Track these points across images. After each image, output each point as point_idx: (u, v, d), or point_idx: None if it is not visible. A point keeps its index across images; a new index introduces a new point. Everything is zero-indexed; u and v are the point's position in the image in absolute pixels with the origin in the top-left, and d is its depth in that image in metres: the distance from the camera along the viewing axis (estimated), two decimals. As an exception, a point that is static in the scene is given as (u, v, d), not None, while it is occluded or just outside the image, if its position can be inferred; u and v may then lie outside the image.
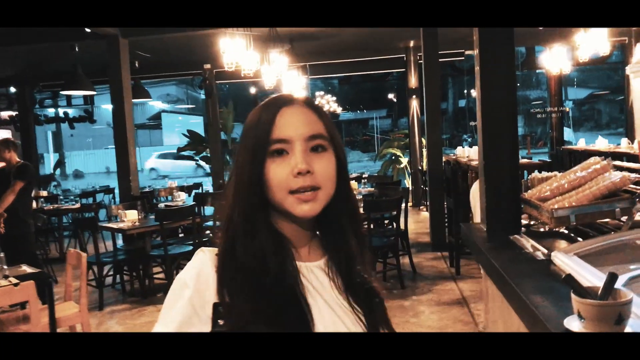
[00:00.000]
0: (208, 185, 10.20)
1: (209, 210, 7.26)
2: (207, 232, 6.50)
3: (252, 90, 12.76)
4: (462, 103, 23.88)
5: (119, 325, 4.60)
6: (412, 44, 9.67)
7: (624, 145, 7.71)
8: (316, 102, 1.02)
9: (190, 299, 0.87)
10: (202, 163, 10.96)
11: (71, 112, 15.23)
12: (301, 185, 0.89)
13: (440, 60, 7.37)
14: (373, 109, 24.87)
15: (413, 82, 10.09)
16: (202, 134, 11.73)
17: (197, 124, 23.90)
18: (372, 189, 7.05)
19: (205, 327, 0.86)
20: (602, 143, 8.28)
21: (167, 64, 10.13)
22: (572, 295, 1.42)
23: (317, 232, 1.01)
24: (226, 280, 0.88)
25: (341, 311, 0.95)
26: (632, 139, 8.47)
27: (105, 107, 24.67)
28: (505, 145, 2.89)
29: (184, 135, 11.27)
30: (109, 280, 5.58)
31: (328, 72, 12.23)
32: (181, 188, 8.19)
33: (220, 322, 0.86)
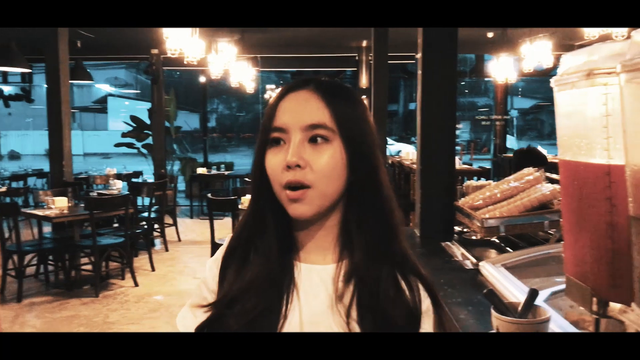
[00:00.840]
0: (149, 174, 9.88)
1: (147, 200, 7.01)
2: (143, 223, 6.28)
3: (202, 79, 12.46)
4: (412, 106, 24.25)
5: (37, 319, 4.34)
6: (364, 44, 9.68)
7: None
8: (337, 84, 0.89)
9: (203, 281, 0.93)
10: (144, 151, 10.56)
11: (8, 89, 14.47)
12: (290, 179, 0.81)
13: (392, 62, 7.40)
14: (324, 106, 24.89)
15: (364, 81, 10.10)
16: (147, 120, 11.37)
17: (144, 110, 23.24)
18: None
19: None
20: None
21: (113, 46, 9.72)
22: (492, 312, 1.38)
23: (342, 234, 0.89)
24: (228, 265, 0.89)
25: (329, 327, 0.84)
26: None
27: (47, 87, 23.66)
28: (442, 151, 2.87)
29: (125, 122, 10.88)
30: (32, 270, 5.28)
31: (280, 65, 12.08)
32: (119, 176, 7.89)
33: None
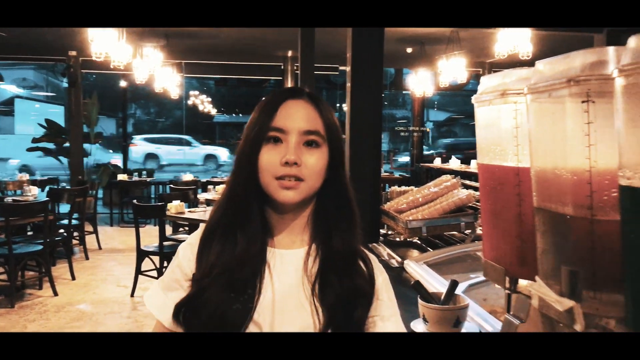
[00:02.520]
0: (65, 181, 9.48)
1: (64, 207, 6.75)
2: (61, 230, 6.05)
3: (123, 83, 12.12)
4: (334, 115, 24.65)
5: (-52, 331, 4.09)
6: (290, 53, 9.83)
7: (473, 166, 8.50)
8: (321, 98, 1.04)
9: (177, 265, 1.02)
10: (61, 157, 10.12)
11: None
12: (286, 173, 0.94)
13: (316, 72, 7.58)
14: (248, 114, 24.67)
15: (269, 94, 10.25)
16: (63, 124, 10.88)
17: (56, 113, 22.10)
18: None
19: (185, 292, 0.98)
20: (455, 163, 9.06)
21: (27, 46, 9.26)
22: (419, 300, 1.54)
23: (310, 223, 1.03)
24: (205, 247, 0.98)
25: (298, 301, 0.96)
26: (480, 161, 9.37)
27: (-54, 86, 21.90)
28: (369, 159, 3.06)
29: (40, 125, 10.36)
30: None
31: (204, 72, 11.99)
32: (33, 182, 7.54)
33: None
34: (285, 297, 0.96)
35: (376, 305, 1.02)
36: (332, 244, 0.99)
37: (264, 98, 1.04)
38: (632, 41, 0.62)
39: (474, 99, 1.02)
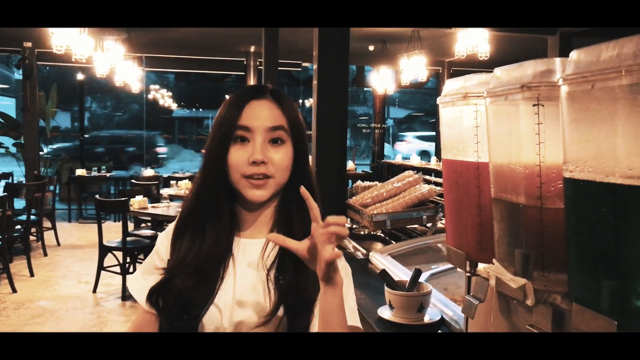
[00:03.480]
0: (20, 176, 9.23)
1: (19, 203, 6.60)
2: (18, 227, 5.92)
3: (80, 76, 11.85)
4: (296, 111, 24.65)
5: None
6: (252, 49, 9.83)
7: (433, 162, 8.73)
8: (285, 94, 1.09)
9: (155, 251, 1.09)
10: (14, 151, 9.84)
11: None
12: (254, 172, 1.00)
13: (279, 68, 7.61)
14: (209, 109, 24.54)
15: (233, 92, 10.24)
16: (14, 117, 10.58)
17: (8, 106, 21.35)
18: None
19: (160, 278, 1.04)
20: (415, 159, 9.27)
21: (-23, 36, 8.97)
22: (385, 288, 1.65)
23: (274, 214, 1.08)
24: (177, 242, 1.05)
25: (254, 285, 1.02)
26: (439, 157, 9.64)
27: None
28: (335, 155, 3.15)
29: (-6, 118, 10.04)
30: None
31: (165, 65, 11.84)
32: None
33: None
34: (244, 282, 1.02)
35: None
36: (293, 231, 1.03)
37: (228, 96, 1.09)
38: (574, 54, 0.72)
39: (439, 100, 1.12)
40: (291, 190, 1.06)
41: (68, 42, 5.04)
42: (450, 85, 1.10)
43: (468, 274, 1.09)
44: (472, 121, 1.02)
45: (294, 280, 1.01)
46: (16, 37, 8.66)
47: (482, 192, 1.01)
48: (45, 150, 9.82)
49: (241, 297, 1.01)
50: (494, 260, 0.95)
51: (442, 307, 1.71)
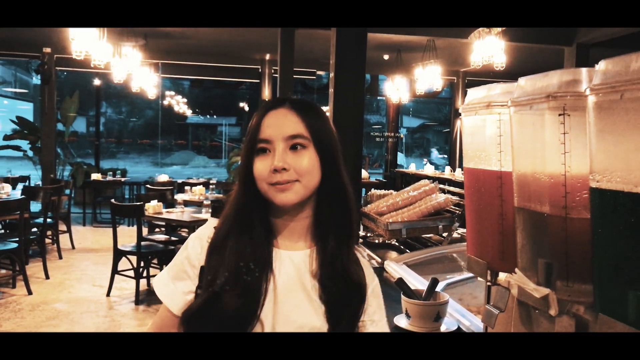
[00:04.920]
0: (36, 179, 9.34)
1: (36, 206, 6.67)
2: (34, 229, 5.98)
3: (96, 81, 12.00)
4: (308, 120, 24.66)
5: None
6: (268, 56, 9.89)
7: (447, 172, 8.70)
8: (307, 102, 1.09)
9: (185, 257, 1.08)
10: (31, 154, 9.97)
11: None
12: (277, 180, 1.01)
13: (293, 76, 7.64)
14: (223, 115, 24.71)
15: (267, 94, 10.31)
16: (32, 121, 10.73)
17: (27, 110, 21.66)
18: (221, 195, 7.07)
19: (193, 283, 1.06)
20: (429, 169, 9.25)
21: (-1, 41, 9.13)
22: (402, 296, 1.64)
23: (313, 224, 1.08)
24: (214, 252, 1.05)
25: (305, 300, 1.03)
26: (454, 167, 9.61)
27: None
28: (350, 162, 3.16)
29: (12, 121, 10.19)
30: None
31: (181, 72, 11.95)
32: (5, 180, 7.42)
33: (200, 283, 1.05)
34: (286, 297, 1.03)
35: (366, 309, 1.07)
36: (330, 246, 1.05)
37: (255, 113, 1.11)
38: (602, 64, 0.72)
39: (461, 108, 1.12)
40: (324, 198, 1.06)
41: (87, 47, 5.12)
42: (473, 94, 1.10)
43: (489, 283, 1.08)
44: (495, 130, 1.02)
45: (336, 299, 1.02)
46: (36, 43, 8.79)
47: (505, 201, 1.01)
48: (60, 154, 9.91)
49: (283, 313, 1.02)
50: (516, 269, 0.95)
51: (458, 316, 1.71)
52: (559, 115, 0.82)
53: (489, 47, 5.86)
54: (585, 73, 0.81)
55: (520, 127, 0.93)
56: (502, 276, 1.06)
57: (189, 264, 1.08)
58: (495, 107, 1.03)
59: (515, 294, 0.95)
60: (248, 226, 1.05)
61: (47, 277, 5.48)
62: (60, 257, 6.37)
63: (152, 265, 5.14)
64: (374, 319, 1.09)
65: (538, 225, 0.88)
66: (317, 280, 1.03)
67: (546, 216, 0.85)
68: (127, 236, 6.20)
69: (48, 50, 8.98)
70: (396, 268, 2.29)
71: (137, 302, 4.78)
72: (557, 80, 0.84)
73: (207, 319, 1.01)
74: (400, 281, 1.70)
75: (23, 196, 5.21)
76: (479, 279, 2.10)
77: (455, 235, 2.66)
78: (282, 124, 1.03)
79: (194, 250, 1.08)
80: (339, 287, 1.03)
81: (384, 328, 1.12)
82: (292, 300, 1.03)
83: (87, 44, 5.09)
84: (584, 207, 0.80)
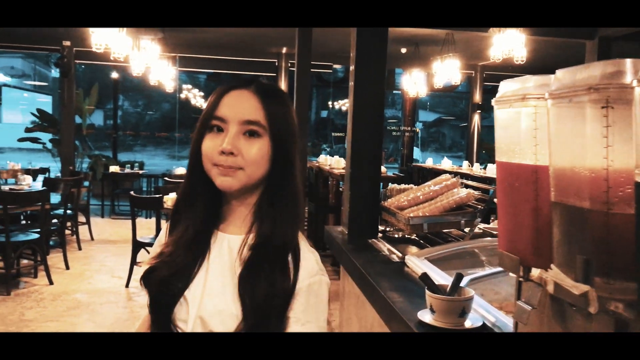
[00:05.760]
0: (55, 171, 9.45)
1: (55, 197, 6.74)
2: (54, 220, 6.06)
3: (114, 74, 12.09)
4: (324, 114, 24.69)
5: (-56, 317, 4.11)
6: (284, 50, 9.89)
7: (465, 166, 8.64)
8: (274, 88, 1.06)
9: (158, 238, 1.15)
10: (50, 146, 10.08)
11: None
12: (222, 162, 0.99)
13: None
14: (239, 109, 24.74)
15: (283, 87, 10.31)
16: (51, 114, 10.85)
17: (45, 103, 21.93)
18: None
19: None
20: (447, 163, 9.19)
21: (20, 35, 9.22)
22: (427, 291, 1.63)
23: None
24: (170, 231, 1.09)
25: (223, 285, 1.00)
26: (471, 161, 9.53)
27: None
28: (369, 157, 3.13)
29: (33, 114, 10.32)
30: None
31: (198, 66, 11.99)
32: (26, 171, 7.52)
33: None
34: (215, 280, 1.01)
35: (293, 306, 0.98)
36: (265, 233, 1.02)
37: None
38: (651, 55, 0.70)
39: (494, 101, 1.10)
40: (270, 189, 1.04)
41: (107, 40, 5.15)
42: (507, 87, 1.08)
43: (521, 279, 1.07)
44: (531, 123, 1.00)
45: (259, 289, 0.96)
46: (55, 36, 8.88)
47: (539, 196, 0.99)
48: (78, 147, 10.02)
49: (210, 295, 1.00)
50: (552, 265, 0.93)
51: (483, 312, 1.69)
52: (602, 107, 0.80)
53: (509, 40, 5.79)
54: (629, 64, 0.79)
55: (558, 120, 0.91)
56: (535, 272, 1.04)
57: (158, 245, 1.13)
58: (530, 99, 1.01)
59: (551, 290, 0.93)
60: (192, 206, 1.05)
61: (67, 267, 5.56)
62: (80, 248, 6.45)
63: (170, 257, 5.18)
64: (300, 317, 0.98)
65: (577, 220, 0.86)
66: (243, 268, 0.99)
67: (586, 211, 0.83)
68: (145, 228, 6.25)
69: (68, 43, 9.07)
70: (417, 263, 2.27)
71: (156, 293, 4.81)
72: (600, 71, 0.82)
73: (147, 286, 1.04)
74: (425, 276, 1.69)
75: (44, 188, 5.27)
76: (502, 274, 2.08)
77: (476, 230, 2.64)
78: (241, 106, 1.00)
79: (163, 230, 1.14)
80: (261, 276, 0.97)
81: (311, 330, 0.98)
82: (219, 284, 1.01)
83: (107, 37, 5.12)
84: (627, 202, 0.78)
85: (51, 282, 5.01)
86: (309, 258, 1.04)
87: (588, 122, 0.82)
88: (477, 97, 10.66)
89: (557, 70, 0.94)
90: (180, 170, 8.54)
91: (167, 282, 1.01)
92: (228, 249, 1.04)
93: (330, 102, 19.95)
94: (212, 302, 0.99)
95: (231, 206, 1.06)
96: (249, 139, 1.00)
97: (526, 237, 1.02)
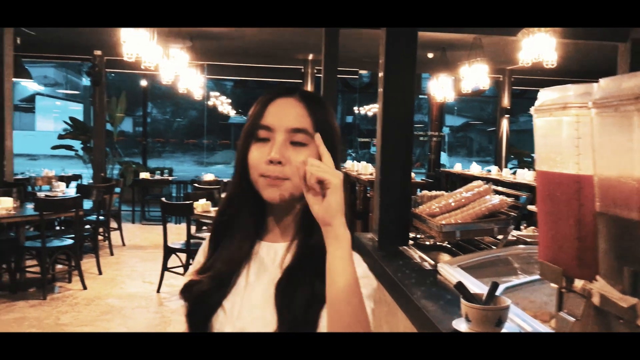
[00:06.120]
0: (87, 178, 9.66)
1: (87, 203, 6.88)
2: (87, 226, 6.19)
3: (143, 82, 12.31)
4: (349, 119, 24.67)
5: (-17, 320, 4.24)
6: (311, 56, 9.92)
7: (494, 172, 8.54)
8: (317, 96, 1.05)
9: (201, 248, 1.12)
10: (82, 153, 10.31)
11: None
12: (270, 173, 0.97)
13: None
14: (265, 115, 24.94)
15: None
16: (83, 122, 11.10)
17: (77, 111, 22.43)
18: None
19: None
20: (475, 168, 9.09)
21: (53, 45, 9.47)
22: (462, 300, 1.61)
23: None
24: (211, 244, 1.08)
25: (263, 293, 0.99)
26: (500, 166, 9.41)
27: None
28: (399, 163, 3.12)
29: (65, 122, 10.57)
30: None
31: (225, 73, 12.14)
32: (60, 178, 7.70)
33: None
34: (255, 289, 1.01)
35: None
36: (309, 241, 0.99)
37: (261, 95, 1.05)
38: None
39: (532, 109, 1.09)
40: None
41: (138, 50, 5.25)
42: (546, 95, 1.07)
43: (563, 290, 1.05)
44: (573, 132, 0.99)
45: (300, 297, 0.94)
46: (87, 46, 9.09)
47: (583, 206, 0.97)
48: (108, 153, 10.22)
49: (249, 303, 0.99)
50: (597, 276, 0.92)
51: (520, 322, 1.67)
52: (650, 117, 0.78)
53: (538, 44, 5.71)
54: (679, 73, 0.78)
55: (603, 130, 0.89)
56: (578, 283, 1.02)
57: (202, 256, 1.10)
58: (572, 108, 1.00)
59: (597, 302, 0.92)
60: (239, 218, 1.04)
61: (100, 272, 5.66)
62: (112, 254, 6.57)
63: (200, 263, 5.23)
64: None
65: (624, 231, 0.85)
66: (285, 276, 0.98)
67: (634, 222, 0.81)
68: (175, 234, 6.34)
69: (99, 52, 9.27)
70: (450, 271, 2.25)
71: (186, 299, 4.87)
72: (647, 80, 0.80)
73: (188, 300, 1.03)
74: (460, 285, 1.67)
75: (78, 194, 5.39)
76: (538, 283, 2.05)
77: (510, 237, 2.61)
78: (287, 114, 0.99)
79: (205, 242, 1.12)
80: (301, 281, 0.96)
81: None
82: (259, 293, 1.00)
83: (138, 46, 5.22)
84: (678, 213, 0.76)
85: (85, 287, 5.11)
86: (363, 269, 1.01)
87: (636, 132, 0.81)
88: (506, 102, 10.53)
89: (600, 79, 0.93)
90: (209, 176, 8.63)
91: (206, 293, 1.01)
92: (270, 257, 1.03)
93: (355, 108, 19.93)
94: (250, 311, 0.99)
95: (276, 215, 1.05)
96: (296, 148, 0.98)
97: (569, 248, 1.01)
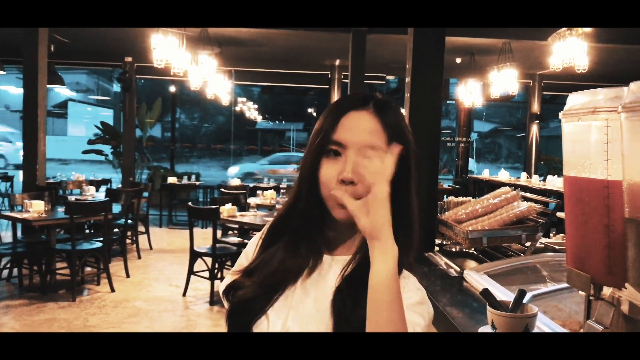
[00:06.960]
0: (116, 182, 9.84)
1: (116, 207, 7.01)
2: (116, 230, 6.30)
3: (172, 88, 12.51)
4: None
5: (15, 321, 4.34)
6: (338, 62, 9.94)
7: (523, 178, 8.40)
8: (392, 107, 0.98)
9: (244, 252, 1.09)
10: (111, 158, 10.52)
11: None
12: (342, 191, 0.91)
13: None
14: (291, 121, 25.10)
15: (335, 99, 10.34)
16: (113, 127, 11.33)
17: (107, 116, 22.89)
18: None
19: None
20: (504, 175, 8.97)
21: (85, 52, 9.70)
22: (488, 307, 1.59)
23: None
24: (263, 248, 1.04)
25: (315, 306, 0.95)
26: (530, 173, 9.26)
27: (2, 88, 22.93)
28: (427, 169, 3.10)
29: (97, 127, 10.80)
30: (4, 274, 5.25)
31: (252, 79, 12.24)
32: (89, 182, 7.87)
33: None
34: (305, 300, 0.96)
35: None
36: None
37: (331, 104, 1.00)
38: None
39: (561, 114, 1.07)
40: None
41: (167, 56, 5.33)
42: (575, 100, 1.05)
43: (591, 298, 1.03)
44: (602, 137, 0.97)
45: (355, 312, 0.89)
46: (118, 52, 9.28)
47: (612, 211, 0.95)
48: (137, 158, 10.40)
49: (296, 313, 0.95)
50: (626, 284, 0.89)
51: (547, 330, 1.63)
52: (682, 121, 0.76)
53: (570, 49, 5.61)
54: None
55: (633, 134, 0.87)
56: (607, 291, 1.00)
57: (245, 258, 1.08)
58: (601, 112, 0.98)
59: (626, 311, 0.89)
60: (303, 230, 0.99)
61: (128, 275, 5.75)
62: (139, 257, 6.66)
63: (226, 266, 5.29)
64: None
65: (655, 238, 0.82)
66: (339, 286, 0.94)
67: (665, 229, 0.79)
68: (201, 238, 6.40)
69: (129, 59, 9.46)
70: (477, 278, 2.22)
71: (212, 302, 4.92)
72: (679, 84, 0.78)
73: (231, 299, 1.00)
74: (486, 292, 1.64)
75: (107, 198, 5.50)
76: (567, 291, 2.00)
77: (538, 244, 2.56)
78: (362, 131, 0.93)
79: (251, 245, 1.08)
80: (361, 293, 0.88)
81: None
82: (309, 305, 0.95)
83: (167, 52, 5.31)
84: None
85: (113, 290, 5.20)
86: (418, 288, 0.98)
87: (666, 136, 0.79)
88: (535, 107, 10.37)
89: (631, 83, 0.91)
90: (236, 181, 8.70)
91: (252, 299, 0.97)
92: (332, 269, 0.98)
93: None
94: (298, 322, 0.95)
95: (342, 230, 0.99)
96: (370, 162, 0.92)
97: (597, 255, 0.99)
